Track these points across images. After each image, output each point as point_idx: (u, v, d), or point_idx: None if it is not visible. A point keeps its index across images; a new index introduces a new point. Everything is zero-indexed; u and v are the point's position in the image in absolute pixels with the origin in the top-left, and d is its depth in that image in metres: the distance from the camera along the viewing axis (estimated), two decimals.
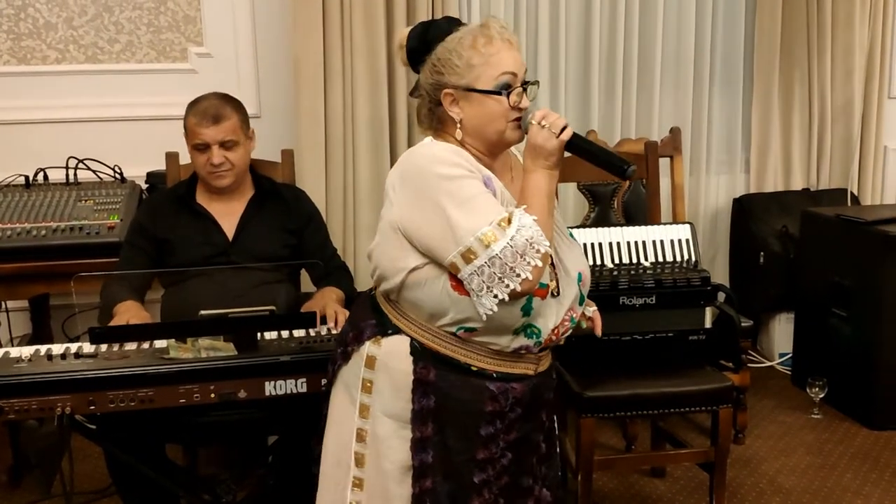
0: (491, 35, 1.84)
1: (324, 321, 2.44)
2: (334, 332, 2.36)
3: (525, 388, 1.91)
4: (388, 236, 1.86)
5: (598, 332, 2.10)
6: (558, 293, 1.88)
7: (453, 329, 1.83)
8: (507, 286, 1.73)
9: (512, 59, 1.85)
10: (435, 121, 1.93)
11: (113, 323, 2.44)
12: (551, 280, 1.86)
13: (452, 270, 1.78)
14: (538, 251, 1.74)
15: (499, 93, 1.83)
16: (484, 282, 1.74)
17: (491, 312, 1.77)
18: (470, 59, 1.83)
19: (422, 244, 1.81)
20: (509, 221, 1.74)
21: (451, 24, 1.91)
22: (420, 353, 1.86)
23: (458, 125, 1.88)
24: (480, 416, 1.86)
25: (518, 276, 1.73)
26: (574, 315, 1.94)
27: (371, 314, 1.95)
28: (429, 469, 1.86)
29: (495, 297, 1.74)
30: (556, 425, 2.10)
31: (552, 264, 1.86)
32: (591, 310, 2.11)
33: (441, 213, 1.76)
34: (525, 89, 1.87)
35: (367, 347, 1.91)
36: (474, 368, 1.86)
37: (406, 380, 1.86)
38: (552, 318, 1.87)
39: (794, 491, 3.12)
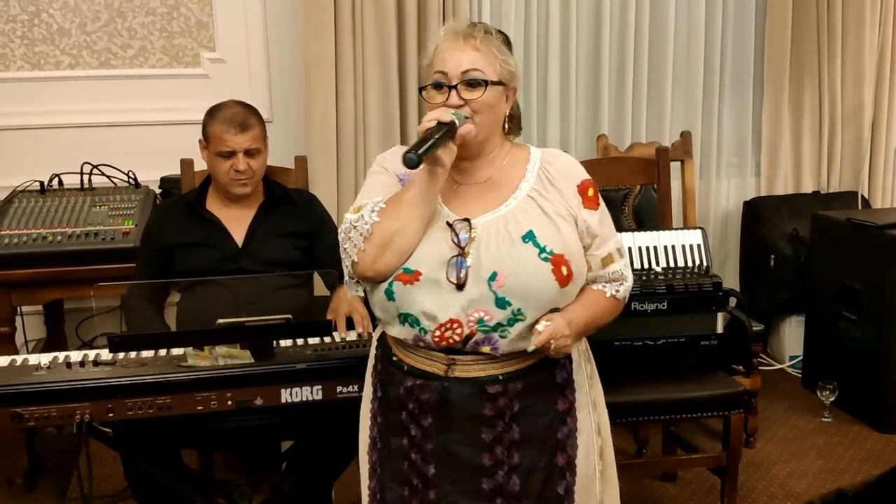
0: (442, 33, 1.89)
1: (351, 323, 2.48)
2: (365, 337, 2.41)
3: (432, 391, 1.80)
4: None
5: (531, 346, 1.76)
6: (462, 287, 1.77)
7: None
8: (346, 265, 1.87)
9: (451, 58, 1.81)
10: None
11: None
12: (455, 270, 1.76)
13: None
14: (354, 245, 1.82)
15: (420, 90, 1.91)
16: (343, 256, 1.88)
17: (353, 292, 1.89)
18: (428, 54, 1.90)
19: None
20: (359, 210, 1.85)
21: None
22: (380, 338, 1.96)
23: None
24: (400, 408, 1.86)
25: (349, 256, 1.84)
26: (484, 317, 1.76)
27: None
28: (376, 464, 1.93)
29: (345, 270, 1.88)
30: (548, 461, 1.89)
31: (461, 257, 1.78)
32: (542, 325, 1.78)
33: None
34: (447, 88, 1.81)
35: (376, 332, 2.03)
36: (394, 358, 1.89)
37: (370, 365, 1.99)
38: (440, 311, 1.76)
39: (805, 494, 3.12)
